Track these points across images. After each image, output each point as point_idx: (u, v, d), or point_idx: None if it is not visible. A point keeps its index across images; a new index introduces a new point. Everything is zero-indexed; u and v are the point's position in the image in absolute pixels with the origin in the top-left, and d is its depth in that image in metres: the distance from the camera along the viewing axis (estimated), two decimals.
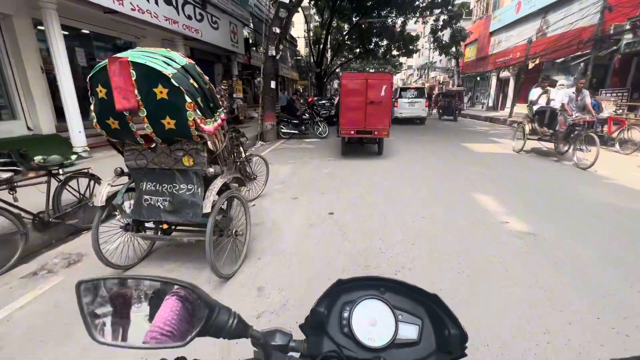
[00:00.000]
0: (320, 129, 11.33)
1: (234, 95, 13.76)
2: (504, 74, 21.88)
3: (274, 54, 10.00)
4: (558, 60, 14.75)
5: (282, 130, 11.20)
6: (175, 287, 0.48)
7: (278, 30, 9.84)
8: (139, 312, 0.48)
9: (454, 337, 0.56)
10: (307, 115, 11.38)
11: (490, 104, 23.77)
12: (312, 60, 24.16)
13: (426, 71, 41.80)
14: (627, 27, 11.89)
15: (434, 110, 21.27)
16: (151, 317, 0.47)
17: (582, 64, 14.42)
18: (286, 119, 11.19)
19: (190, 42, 10.97)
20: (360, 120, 7.13)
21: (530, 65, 16.90)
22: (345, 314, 0.59)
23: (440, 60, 39.29)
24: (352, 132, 7.25)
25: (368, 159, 7.73)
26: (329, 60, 27.17)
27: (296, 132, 11.20)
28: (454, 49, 23.14)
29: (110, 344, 0.47)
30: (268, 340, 0.54)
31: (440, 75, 36.40)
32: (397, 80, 72.43)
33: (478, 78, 25.08)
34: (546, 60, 16.46)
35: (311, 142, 10.59)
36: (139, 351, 0.51)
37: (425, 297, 0.61)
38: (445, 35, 23.42)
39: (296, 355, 0.59)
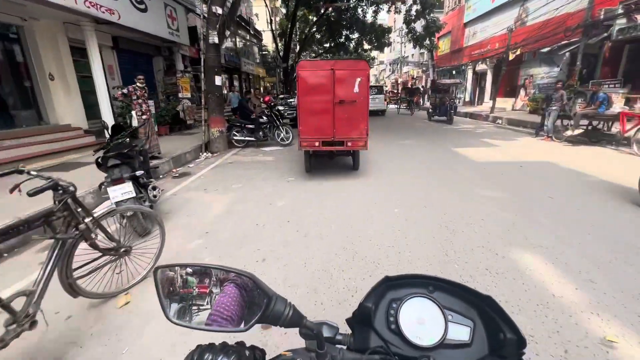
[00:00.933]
0: (282, 135, 9.27)
1: (180, 95, 11.38)
2: (481, 66, 20.80)
3: (217, 41, 7.80)
4: (544, 50, 13.56)
5: (235, 138, 9.04)
6: (235, 275, 0.52)
7: (220, 11, 7.65)
8: (203, 297, 0.52)
9: (510, 342, 0.54)
10: (264, 118, 9.27)
11: (467, 99, 22.71)
12: (278, 55, 21.87)
13: (399, 66, 40.67)
14: (620, 11, 10.74)
15: (414, 110, 19.78)
16: (214, 302, 0.51)
17: (567, 55, 13.31)
18: (239, 124, 9.03)
19: (109, 28, 8.48)
20: (327, 127, 5.16)
21: (511, 57, 15.70)
22: (393, 311, 0.60)
23: (413, 54, 38.34)
24: (317, 143, 5.26)
25: (340, 176, 5.79)
26: (296, 54, 25.03)
27: (252, 139, 9.07)
28: (428, 41, 21.80)
29: (180, 324, 0.51)
30: (321, 331, 0.53)
31: (414, 69, 35.26)
32: (370, 76, 71.67)
33: (454, 72, 23.96)
34: (528, 50, 15.30)
35: (271, 152, 8.51)
36: (205, 333, 0.51)
37: (477, 298, 0.60)
38: (419, 27, 22.13)
39: (342, 348, 0.60)
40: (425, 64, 31.59)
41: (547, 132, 9.13)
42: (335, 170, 6.29)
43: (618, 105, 7.98)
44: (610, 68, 11.89)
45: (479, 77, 21.88)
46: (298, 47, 25.92)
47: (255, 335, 1.99)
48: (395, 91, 30.01)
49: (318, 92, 4.99)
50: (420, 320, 0.58)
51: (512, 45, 15.25)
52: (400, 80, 40.79)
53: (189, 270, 0.53)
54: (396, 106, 26.76)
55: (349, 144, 5.26)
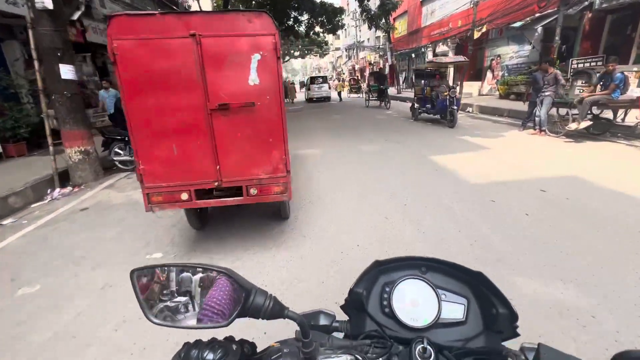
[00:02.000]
0: None
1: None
2: (442, 48, 19.00)
3: (50, 6, 4.68)
4: (515, 25, 11.75)
5: (116, 159, 6.02)
6: (212, 271, 0.49)
7: None
8: (181, 295, 0.50)
9: (503, 317, 0.55)
10: None
11: None
12: None
13: (355, 51, 38.42)
14: None
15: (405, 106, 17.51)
16: (192, 299, 0.50)
17: (540, 30, 11.61)
18: (121, 137, 6.01)
19: None
20: (202, 159, 2.48)
21: (476, 35, 13.86)
22: (386, 295, 0.60)
23: (369, 39, 36.21)
24: (185, 195, 2.52)
25: (256, 236, 3.20)
26: None
27: None
28: (383, 21, 19.60)
29: (164, 324, 0.49)
30: (304, 319, 0.52)
31: (371, 54, 33.13)
32: (327, 63, 68.89)
33: (413, 55, 22.02)
34: (495, 26, 13.52)
35: None
36: (190, 331, 0.49)
37: (469, 275, 0.61)
38: (374, 6, 19.88)
39: (340, 335, 0.61)
40: (382, 48, 29.59)
41: (539, 124, 7.17)
42: (249, 220, 3.66)
43: (636, 87, 6.16)
44: (591, 43, 10.33)
45: None
46: None
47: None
48: (356, 78, 27.56)
49: (166, 87, 2.26)
50: (414, 302, 0.59)
51: (478, 21, 13.38)
52: (357, 67, 38.60)
53: (167, 269, 0.51)
54: (358, 96, 24.57)
55: (253, 190, 2.60)
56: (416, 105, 10.40)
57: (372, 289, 0.62)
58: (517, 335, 0.56)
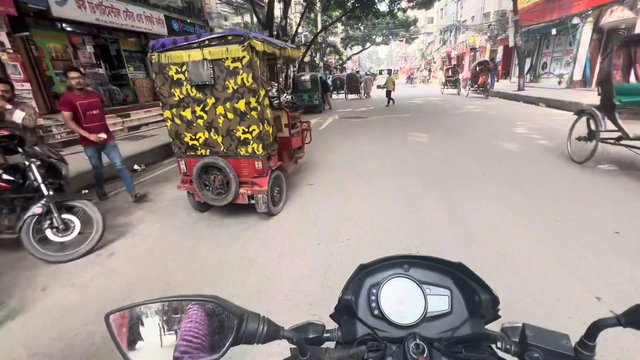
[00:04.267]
0: None
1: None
2: (613, 17, 11.52)
3: None
4: None
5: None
6: (199, 301, 0.48)
7: None
8: (167, 332, 0.47)
9: (485, 302, 0.57)
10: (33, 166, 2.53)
11: (579, 77, 13.46)
12: (256, 20, 13.87)
13: (452, 34, 30.81)
14: None
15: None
16: (180, 334, 0.47)
17: None
18: None
19: None
20: None
21: None
22: (373, 297, 0.61)
23: (473, 17, 28.35)
24: None
25: None
26: (287, 17, 17.43)
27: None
28: None
29: None
30: (301, 337, 0.51)
31: (477, 36, 25.49)
32: (414, 51, 60.52)
33: (553, 31, 14.53)
34: None
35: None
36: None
37: (449, 266, 0.63)
38: None
39: (331, 344, 0.61)
40: (491, 29, 21.95)
41: None
42: None
43: None
44: None
45: (605, 38, 12.52)
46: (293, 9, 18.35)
47: None
48: (454, 67, 20.78)
49: None
50: (401, 300, 0.60)
51: None
52: (454, 54, 30.99)
53: (145, 308, 0.47)
54: (455, 91, 18.20)
55: None
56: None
57: (359, 293, 0.63)
58: (498, 317, 0.59)
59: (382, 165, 5.03)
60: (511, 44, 14.37)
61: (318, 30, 21.87)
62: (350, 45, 34.17)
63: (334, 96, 19.50)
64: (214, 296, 0.48)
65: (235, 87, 2.85)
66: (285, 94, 9.33)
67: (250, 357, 1.68)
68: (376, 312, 0.59)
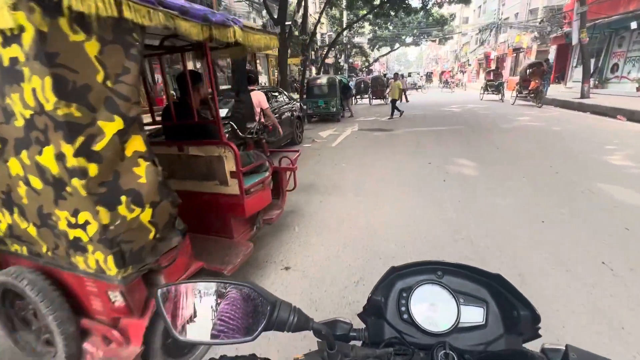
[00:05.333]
0: None
1: None
2: None
3: None
4: None
5: None
6: (237, 285, 0.50)
7: None
8: (206, 310, 0.50)
9: (525, 318, 0.55)
10: None
11: None
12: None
13: (492, 33, 27.76)
14: None
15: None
16: (218, 314, 0.50)
17: None
18: None
19: None
20: None
21: None
22: (403, 301, 0.60)
23: (517, 14, 25.27)
24: None
25: None
26: (306, 10, 15.67)
27: None
28: None
29: (189, 341, 0.51)
30: (330, 331, 0.52)
31: (523, 34, 22.52)
32: (447, 53, 56.73)
33: (633, 24, 11.66)
34: None
35: None
36: (217, 346, 0.51)
37: (487, 277, 0.61)
38: None
39: (357, 343, 0.60)
40: (542, 26, 19.00)
41: None
42: None
43: None
44: None
45: None
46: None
47: None
48: (496, 70, 17.95)
49: None
50: (432, 307, 0.59)
51: None
52: (494, 55, 27.97)
53: (189, 286, 0.51)
54: (498, 98, 15.69)
55: None
56: None
57: (389, 295, 0.62)
58: (538, 336, 0.56)
59: (411, 231, 3.07)
60: (574, 41, 11.76)
61: (341, 29, 19.97)
62: (377, 46, 31.92)
63: (357, 101, 17.50)
64: (251, 282, 0.50)
65: (25, 114, 1.07)
66: (292, 102, 7.51)
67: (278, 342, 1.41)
68: (405, 316, 0.59)
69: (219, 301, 0.50)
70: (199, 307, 0.50)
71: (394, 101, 10.96)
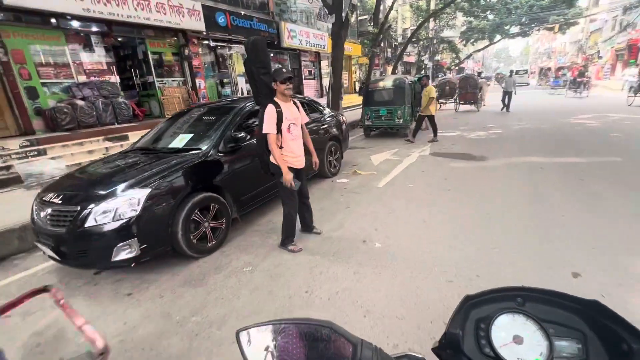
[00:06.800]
0: None
1: None
2: None
3: None
4: None
5: None
6: (316, 326, 0.49)
7: None
8: (287, 354, 0.49)
9: (637, 352, 0.46)
10: None
11: None
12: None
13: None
14: None
15: None
16: (299, 356, 0.48)
17: None
18: None
19: None
20: None
21: None
22: (482, 332, 0.55)
23: None
24: None
25: None
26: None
27: None
28: None
29: None
30: None
31: None
32: (564, 45, 45.78)
33: None
34: None
35: None
36: None
37: (580, 304, 0.54)
38: None
39: None
40: None
41: None
42: None
43: None
44: None
45: None
46: None
47: None
48: None
49: None
50: (517, 339, 0.52)
51: None
52: None
53: (270, 327, 0.50)
54: None
55: None
56: None
57: (465, 326, 0.56)
58: None
59: None
60: None
61: (424, 19, 16.59)
62: (472, 40, 26.87)
63: (440, 106, 13.96)
64: (329, 322, 0.48)
65: None
66: (324, 115, 5.26)
67: None
68: (487, 349, 0.53)
69: (299, 343, 0.49)
70: (279, 350, 0.49)
71: (421, 119, 7.74)
